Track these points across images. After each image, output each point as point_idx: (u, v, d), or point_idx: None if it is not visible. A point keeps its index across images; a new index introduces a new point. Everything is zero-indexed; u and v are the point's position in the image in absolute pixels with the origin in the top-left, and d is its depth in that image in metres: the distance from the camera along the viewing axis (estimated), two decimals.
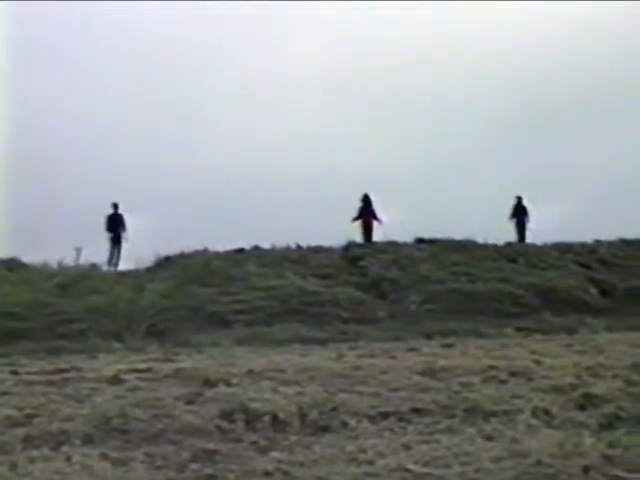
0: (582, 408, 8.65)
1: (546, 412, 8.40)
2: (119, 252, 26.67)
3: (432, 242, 27.53)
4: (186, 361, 14.06)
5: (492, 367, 11.66)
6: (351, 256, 25.90)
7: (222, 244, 26.50)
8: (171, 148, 50.56)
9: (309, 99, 53.38)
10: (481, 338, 18.20)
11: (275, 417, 8.34)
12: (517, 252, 27.04)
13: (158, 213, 34.65)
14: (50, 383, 11.34)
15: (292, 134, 50.83)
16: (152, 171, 47.73)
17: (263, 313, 20.78)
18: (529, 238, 29.25)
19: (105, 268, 25.89)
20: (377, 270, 24.34)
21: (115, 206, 26.69)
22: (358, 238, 27.85)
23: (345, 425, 8.16)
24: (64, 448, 7.35)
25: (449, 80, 54.15)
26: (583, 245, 28.12)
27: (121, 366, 13.04)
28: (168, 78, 53.71)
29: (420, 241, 27.72)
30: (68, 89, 51.30)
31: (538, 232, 29.06)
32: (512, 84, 53.75)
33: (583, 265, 25.94)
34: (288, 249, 26.95)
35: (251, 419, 8.34)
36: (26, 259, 25.48)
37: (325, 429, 8.05)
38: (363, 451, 7.00)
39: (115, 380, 11.37)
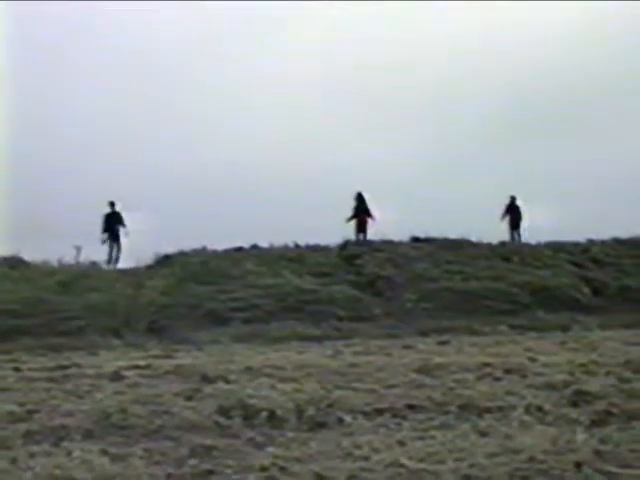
0: (575, 405, 8.66)
1: (539, 409, 8.42)
2: (118, 250, 26.58)
3: (427, 241, 27.50)
4: (185, 358, 14.06)
5: (486, 364, 11.68)
6: (347, 255, 25.88)
7: (221, 243, 26.50)
8: (171, 147, 50.56)
9: (307, 99, 53.37)
10: (475, 336, 18.20)
11: (272, 413, 8.35)
12: (511, 251, 27.02)
13: (158, 212, 34.66)
14: (51, 379, 11.36)
15: (290, 134, 50.89)
16: (152, 170, 47.71)
17: (261, 311, 20.77)
18: (523, 237, 29.22)
19: (105, 267, 25.83)
20: (373, 268, 24.32)
21: (112, 204, 26.58)
22: (353, 236, 27.78)
23: (341, 421, 8.18)
24: (64, 443, 7.36)
25: (447, 80, 54.16)
26: (576, 244, 28.09)
27: (121, 363, 13.05)
28: (168, 77, 53.73)
29: (416, 240, 27.69)
30: (69, 89, 51.31)
31: (531, 231, 29.08)
32: (509, 84, 53.76)
33: (576, 264, 25.92)
34: (286, 248, 26.93)
35: (249, 415, 8.35)
36: (27, 257, 25.49)
37: (321, 425, 8.05)
38: (359, 447, 7.01)
39: (115, 376, 11.39)
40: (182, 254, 25.67)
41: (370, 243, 27.24)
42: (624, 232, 28.83)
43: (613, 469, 6.18)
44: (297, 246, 27.12)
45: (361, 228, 27.73)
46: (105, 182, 39.99)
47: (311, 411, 8.45)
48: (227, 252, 26.11)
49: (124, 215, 26.75)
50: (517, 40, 56.30)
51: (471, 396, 9.14)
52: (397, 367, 11.72)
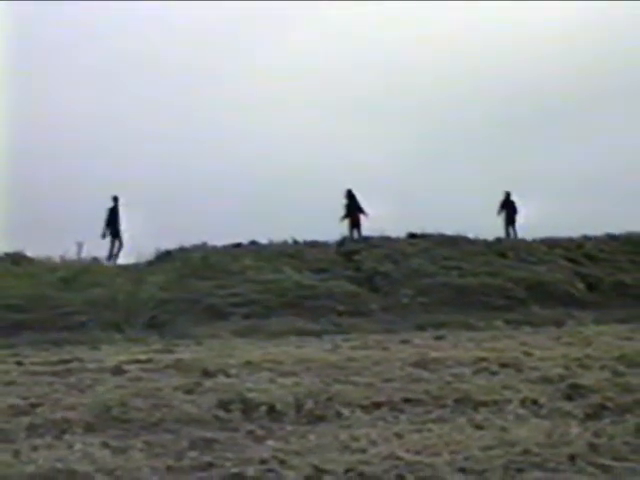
0: (569, 398, 8.68)
1: (534, 402, 8.43)
2: (120, 246, 26.51)
3: (424, 237, 27.50)
4: (185, 352, 14.06)
5: (482, 359, 11.68)
6: (346, 251, 25.88)
7: (220, 239, 26.49)
8: (171, 146, 50.49)
9: (306, 97, 53.35)
10: (471, 330, 18.21)
11: (271, 407, 8.36)
12: (507, 247, 27.04)
13: (159, 208, 34.60)
14: (53, 373, 11.36)
15: (288, 131, 50.85)
16: (153, 167, 47.67)
17: (260, 306, 20.77)
18: (518, 233, 29.20)
19: (106, 262, 25.80)
20: (371, 264, 24.32)
21: (115, 199, 26.48)
22: (347, 233, 27.73)
23: (339, 415, 8.19)
24: (66, 436, 7.37)
25: (445, 78, 54.17)
26: (571, 240, 28.11)
27: (122, 357, 13.05)
28: (169, 75, 53.61)
29: (412, 236, 27.69)
30: (72, 85, 51.19)
31: (526, 227, 29.06)
32: (507, 83, 53.75)
33: (571, 260, 25.93)
34: (285, 244, 26.92)
35: (248, 409, 8.36)
36: (30, 253, 25.48)
37: (320, 419, 8.06)
38: (356, 440, 7.02)
39: (116, 370, 11.39)
40: (182, 250, 25.67)
41: (367, 239, 27.24)
42: (618, 228, 28.92)
43: (607, 462, 6.19)
44: (296, 242, 27.12)
45: (355, 225, 27.69)
46: (108, 178, 39.96)
47: (310, 405, 8.46)
48: (227, 248, 26.11)
49: (123, 211, 26.62)
50: (516, 40, 56.35)
51: (467, 390, 9.15)
52: (394, 361, 11.72)
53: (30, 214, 31.76)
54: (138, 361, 12.40)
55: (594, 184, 44.98)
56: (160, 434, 7.46)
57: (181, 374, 10.89)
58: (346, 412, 8.25)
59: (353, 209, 27.56)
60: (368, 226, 27.77)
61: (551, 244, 27.53)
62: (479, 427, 7.42)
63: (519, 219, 29.27)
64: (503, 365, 11.06)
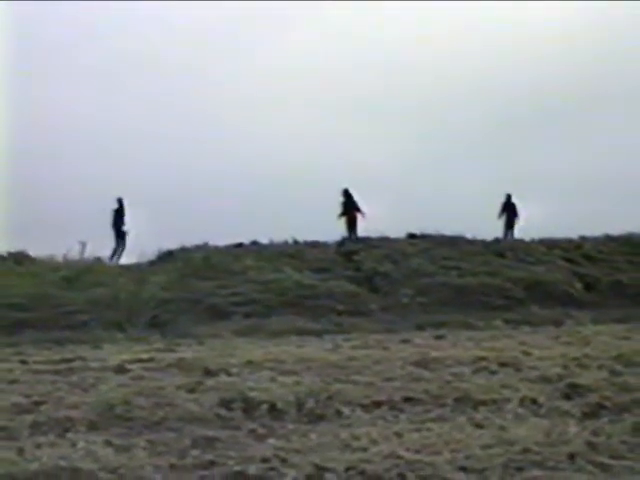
0: (568, 397, 8.69)
1: (533, 401, 8.45)
2: (123, 246, 26.48)
3: (423, 237, 27.49)
4: (187, 351, 14.06)
5: (482, 358, 11.69)
6: (346, 251, 25.87)
7: (222, 239, 26.49)
8: (172, 146, 50.50)
9: (307, 97, 53.34)
10: (471, 330, 18.20)
11: (273, 406, 8.38)
12: (506, 247, 27.04)
13: (161, 208, 34.59)
14: (56, 372, 11.37)
15: (290, 131, 50.83)
16: (154, 167, 47.69)
17: (261, 305, 20.77)
18: (517, 234, 29.17)
19: (108, 261, 25.81)
20: (370, 264, 24.31)
21: (119, 201, 26.46)
22: (344, 233, 27.67)
23: (340, 414, 8.20)
24: (69, 434, 7.39)
25: (444, 78, 54.14)
26: (569, 241, 28.09)
27: (125, 356, 13.05)
28: (169, 75, 53.58)
29: (412, 236, 27.68)
30: (75, 86, 51.21)
31: (525, 228, 29.03)
32: (507, 83, 53.72)
33: (569, 260, 25.92)
34: (285, 244, 26.90)
35: (250, 407, 8.37)
36: (33, 252, 25.47)
37: (321, 417, 8.08)
38: (357, 438, 7.04)
39: (119, 369, 11.40)
40: (184, 250, 25.67)
41: (367, 240, 27.22)
42: (616, 229, 28.89)
43: (605, 460, 6.21)
44: (296, 242, 27.10)
45: (352, 224, 27.62)
46: (110, 178, 39.99)
47: (311, 403, 8.47)
48: (228, 248, 26.11)
49: (127, 211, 26.59)
50: (516, 40, 56.32)
51: (467, 389, 9.16)
52: (394, 361, 11.73)
53: (33, 214, 31.76)
54: (140, 360, 12.41)
55: (593, 185, 44.97)
56: (163, 432, 7.48)
57: (183, 373, 10.90)
58: (347, 411, 8.26)
59: (350, 208, 27.48)
60: (367, 226, 27.73)
61: (550, 244, 27.51)
62: (479, 426, 7.43)
63: (519, 222, 29.22)
64: (502, 364, 11.07)
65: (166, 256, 25.29)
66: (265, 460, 6.38)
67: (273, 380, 9.99)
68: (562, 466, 6.08)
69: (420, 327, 18.91)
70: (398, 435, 7.15)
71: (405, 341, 15.34)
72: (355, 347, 14.42)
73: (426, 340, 15.66)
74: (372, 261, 24.56)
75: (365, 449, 6.67)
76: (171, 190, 42.05)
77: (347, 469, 6.08)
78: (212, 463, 6.38)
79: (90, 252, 25.20)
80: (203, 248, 25.88)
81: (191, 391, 9.38)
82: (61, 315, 19.35)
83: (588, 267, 25.43)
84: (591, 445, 6.55)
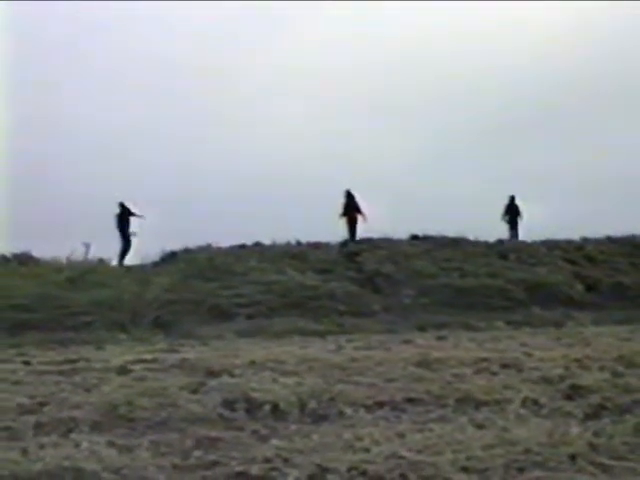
0: (570, 398, 8.68)
1: (535, 402, 8.43)
2: (128, 249, 26.42)
3: (426, 239, 27.52)
4: (190, 352, 14.05)
5: (483, 359, 11.68)
6: (348, 252, 25.89)
7: (225, 240, 26.52)
8: (176, 146, 50.56)
9: (308, 97, 53.37)
10: (473, 331, 18.21)
11: (275, 406, 8.37)
12: (507, 249, 27.04)
13: (165, 209, 34.63)
14: (60, 373, 11.37)
15: (293, 130, 50.86)
16: (158, 168, 47.73)
17: (264, 306, 20.78)
18: (519, 236, 29.15)
19: (115, 263, 25.79)
20: (373, 265, 24.33)
21: (121, 205, 26.40)
22: (345, 234, 27.62)
23: (342, 414, 8.19)
24: (73, 435, 7.38)
25: (447, 79, 54.19)
26: (570, 242, 28.11)
27: (128, 357, 13.05)
28: (172, 75, 53.67)
29: (414, 238, 27.71)
30: (78, 89, 51.26)
31: (527, 230, 29.04)
32: (507, 83, 53.81)
33: (570, 261, 25.93)
34: (288, 245, 26.91)
35: (252, 408, 8.37)
36: (36, 254, 25.52)
37: (323, 418, 8.07)
38: (359, 439, 7.03)
39: (122, 370, 11.40)
40: (187, 251, 25.71)
41: (369, 241, 27.21)
42: (617, 230, 28.89)
43: (607, 461, 6.19)
44: (299, 243, 27.12)
45: (352, 226, 27.57)
46: (114, 179, 40.03)
47: (313, 404, 8.47)
48: (231, 249, 26.13)
49: (134, 212, 26.49)
50: (517, 40, 56.42)
51: (468, 390, 9.15)
52: (396, 361, 11.72)
53: (36, 215, 31.84)
54: (143, 361, 12.41)
55: (594, 186, 44.96)
56: (166, 433, 7.48)
57: (186, 374, 10.89)
58: (349, 411, 8.26)
59: (351, 209, 27.44)
60: (368, 227, 27.73)
61: (551, 246, 27.53)
62: (480, 427, 7.42)
63: (522, 223, 29.19)
64: (504, 365, 11.06)
65: (169, 257, 25.34)
66: (268, 460, 6.37)
67: (276, 381, 9.98)
68: (563, 467, 6.07)
69: (422, 328, 18.92)
70: (400, 436, 7.14)
71: (407, 342, 15.34)
72: (357, 348, 14.42)
73: (428, 341, 15.66)
74: (374, 262, 24.58)
75: (367, 449, 6.66)
76: (174, 191, 42.09)
77: (349, 469, 6.08)
78: (215, 463, 6.37)
79: (94, 253, 25.27)
80: (206, 249, 25.92)
81: (194, 392, 9.37)
82: (64, 316, 19.37)
83: (589, 268, 25.43)
84: (592, 446, 6.54)
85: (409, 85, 54.38)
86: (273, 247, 26.66)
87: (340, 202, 27.50)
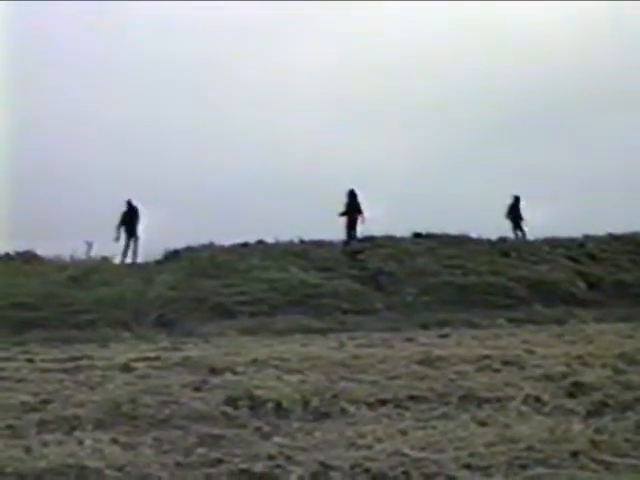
0: (572, 396, 8.67)
1: (537, 399, 8.43)
2: (136, 246, 26.37)
3: (428, 237, 27.52)
4: (193, 350, 14.06)
5: (486, 356, 11.67)
6: (351, 250, 25.88)
7: (228, 238, 26.52)
8: (177, 144, 50.56)
9: (310, 97, 53.37)
10: (475, 328, 18.19)
11: (278, 404, 8.38)
12: (509, 246, 27.04)
13: (167, 208, 34.64)
14: (63, 371, 11.38)
15: (295, 130, 50.87)
16: (161, 166, 47.76)
17: (266, 304, 20.77)
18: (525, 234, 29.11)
19: (118, 260, 25.77)
20: (375, 263, 24.32)
21: (129, 203, 26.34)
22: (343, 233, 27.51)
23: (345, 412, 8.20)
24: (77, 432, 7.39)
25: (448, 78, 54.20)
26: (572, 240, 28.10)
27: (131, 355, 13.05)
28: (172, 75, 53.68)
29: (417, 236, 27.71)
30: (81, 88, 51.27)
31: (529, 228, 29.02)
32: (510, 82, 53.73)
33: (572, 259, 25.91)
34: (291, 243, 26.92)
35: (255, 406, 8.37)
36: (40, 252, 25.55)
37: (326, 415, 8.08)
38: (362, 436, 7.03)
39: (125, 368, 11.40)
40: (190, 249, 25.72)
41: (372, 239, 27.20)
42: (619, 228, 28.89)
43: (608, 458, 6.20)
44: (302, 241, 27.12)
45: (351, 225, 27.46)
46: (117, 178, 40.07)
47: (316, 402, 8.47)
48: (234, 247, 26.15)
49: (140, 210, 26.45)
50: (517, 40, 56.37)
51: (471, 387, 9.15)
52: (399, 359, 11.72)
53: (40, 213, 31.84)
54: (147, 359, 12.41)
55: (596, 184, 44.96)
56: (169, 430, 7.48)
57: (189, 371, 10.90)
58: (351, 409, 8.26)
59: (352, 209, 27.36)
60: (369, 227, 27.70)
61: (553, 244, 27.53)
62: (483, 424, 7.42)
63: (525, 224, 29.16)
64: (506, 363, 11.05)
65: (172, 255, 25.34)
66: (271, 458, 6.38)
67: (278, 378, 9.99)
68: (565, 464, 6.07)
69: (424, 326, 18.90)
70: (403, 433, 7.14)
71: (409, 340, 15.32)
72: (360, 345, 14.41)
73: (430, 339, 15.64)
74: (377, 260, 24.57)
75: (370, 447, 6.67)
76: (176, 189, 42.11)
77: (352, 467, 6.08)
78: (218, 461, 6.38)
79: (97, 252, 25.29)
80: (209, 247, 25.94)
81: (197, 389, 9.39)
82: (68, 314, 19.38)
83: (591, 266, 25.41)
84: (594, 443, 6.54)
85: (410, 85, 54.35)
86: (276, 245, 26.67)
87: (342, 201, 27.42)
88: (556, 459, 6.13)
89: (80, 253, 25.01)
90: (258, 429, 7.49)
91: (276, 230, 27.31)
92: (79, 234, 26.15)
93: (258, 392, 8.83)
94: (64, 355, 13.44)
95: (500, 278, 23.37)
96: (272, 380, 9.85)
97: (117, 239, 26.01)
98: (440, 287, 22.60)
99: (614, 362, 10.77)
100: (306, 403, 8.42)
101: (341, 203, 27.14)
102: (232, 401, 8.53)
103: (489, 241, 27.62)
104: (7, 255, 25.51)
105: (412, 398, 8.74)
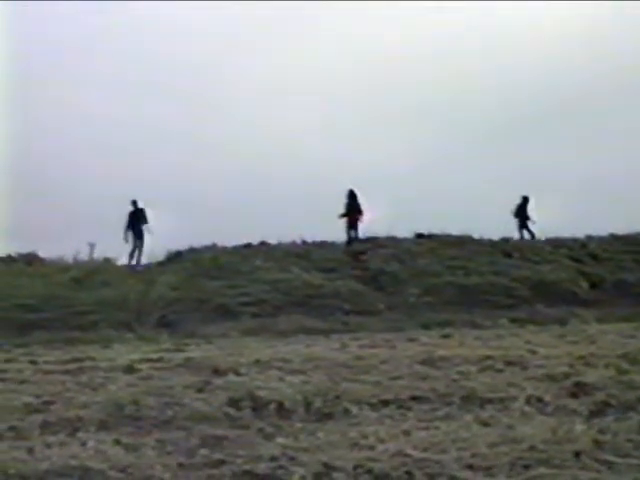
0: (574, 396, 8.66)
1: (540, 400, 8.43)
2: (141, 248, 26.33)
3: (430, 237, 27.53)
4: (196, 351, 14.07)
5: (488, 357, 11.66)
6: (353, 251, 25.90)
7: (230, 239, 26.53)
8: (180, 145, 50.59)
9: (314, 96, 53.36)
10: (477, 329, 18.18)
11: (281, 405, 8.38)
12: (512, 247, 27.04)
13: (170, 209, 34.63)
14: (66, 372, 11.38)
15: (297, 131, 50.85)
16: (163, 168, 47.78)
17: (269, 305, 20.79)
18: (532, 234, 29.09)
19: (126, 262, 25.74)
20: (378, 264, 24.33)
21: (134, 203, 26.27)
22: (344, 234, 27.47)
23: (348, 412, 8.20)
24: (79, 434, 7.40)
25: (449, 77, 54.19)
26: (575, 240, 28.10)
27: (134, 356, 13.07)
28: (178, 74, 53.66)
29: (419, 236, 27.72)
30: (84, 89, 51.27)
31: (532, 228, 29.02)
32: (508, 82, 53.76)
33: (575, 259, 25.90)
34: (293, 244, 26.93)
35: (258, 406, 8.38)
36: (43, 254, 25.58)
37: (329, 416, 8.08)
38: (365, 437, 7.03)
39: (128, 369, 11.41)
40: (193, 250, 25.75)
41: (374, 239, 27.20)
42: (621, 228, 28.87)
43: (611, 458, 6.19)
44: (304, 242, 27.13)
45: (352, 226, 27.41)
46: (119, 179, 40.09)
47: (319, 402, 8.47)
48: (236, 248, 26.17)
49: (148, 212, 26.38)
50: (517, 39, 56.38)
51: (473, 388, 9.15)
52: (401, 359, 11.71)
53: (42, 215, 31.86)
54: (149, 360, 12.42)
55: (598, 184, 44.92)
56: (172, 432, 7.49)
57: (192, 373, 10.90)
58: (354, 410, 8.26)
59: (353, 209, 27.33)
60: (370, 227, 27.69)
61: (555, 244, 27.54)
62: (485, 424, 7.42)
63: (531, 223, 29.13)
64: (508, 363, 11.05)
65: (175, 256, 25.39)
66: (273, 459, 6.38)
67: (281, 379, 10.00)
68: (568, 464, 6.06)
69: (427, 326, 18.89)
70: (406, 433, 7.14)
71: (412, 340, 15.31)
72: (362, 346, 14.40)
73: (433, 339, 15.63)
74: (379, 261, 24.59)
75: (373, 447, 6.67)
76: (179, 190, 42.11)
77: (355, 467, 6.08)
78: (221, 462, 6.38)
79: (99, 253, 25.30)
80: (212, 248, 25.97)
81: (200, 390, 9.39)
82: (71, 315, 19.41)
83: (593, 266, 25.41)
84: (597, 443, 6.54)
85: (410, 84, 54.34)
86: (278, 246, 26.67)
87: (343, 202, 27.38)
88: (559, 459, 6.13)
89: (83, 254, 25.07)
90: (261, 430, 7.49)
91: (278, 231, 27.31)
92: (82, 236, 26.20)
93: (261, 393, 8.84)
94: (67, 356, 13.44)
95: (502, 278, 23.38)
96: (275, 381, 9.86)
97: (126, 241, 25.96)
98: (442, 287, 22.60)
99: (617, 362, 10.76)
100: (309, 404, 8.42)
101: (341, 204, 27.13)
102: (235, 402, 8.54)
103: (491, 241, 27.61)
104: (10, 257, 25.55)
105: (415, 398, 8.73)
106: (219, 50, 55.20)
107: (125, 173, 42.44)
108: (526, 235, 28.96)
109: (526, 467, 6.01)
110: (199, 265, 23.64)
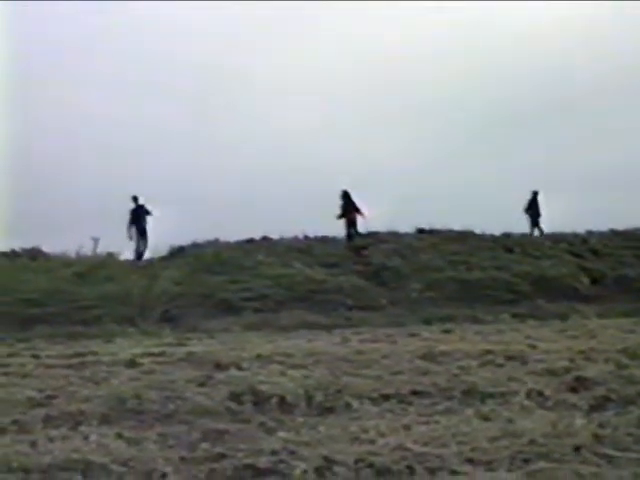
0: (574, 390, 8.66)
1: (540, 394, 8.42)
2: (145, 243, 26.31)
3: (432, 232, 27.53)
4: (198, 346, 14.08)
5: (489, 351, 11.66)
6: (355, 246, 25.90)
7: (233, 235, 26.52)
8: (182, 141, 50.57)
9: (315, 96, 53.29)
10: (478, 324, 18.19)
11: (282, 399, 8.37)
12: (513, 242, 27.04)
13: (173, 205, 34.61)
14: (69, 366, 11.39)
15: (299, 127, 50.79)
16: (165, 163, 47.77)
17: (271, 300, 20.80)
18: (542, 230, 29.06)
19: (130, 258, 25.73)
20: (379, 259, 24.33)
21: (135, 199, 26.24)
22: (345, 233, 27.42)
23: (349, 406, 8.19)
24: (82, 428, 7.39)
25: (450, 75, 54.09)
26: (575, 236, 28.11)
27: (136, 350, 13.08)
28: (178, 74, 53.57)
29: (421, 231, 27.72)
30: (86, 87, 51.25)
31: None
32: (511, 80, 53.64)
33: (575, 255, 25.90)
34: (295, 239, 26.93)
35: (259, 401, 8.37)
36: (46, 248, 25.59)
37: (330, 410, 8.06)
38: (365, 431, 7.02)
39: (130, 363, 11.41)
40: (195, 245, 25.76)
41: (376, 234, 27.20)
42: (622, 224, 28.89)
43: (611, 452, 6.18)
44: (306, 237, 27.13)
45: (351, 225, 27.36)
46: (122, 175, 40.08)
47: (320, 397, 8.46)
48: (239, 244, 26.18)
49: (149, 206, 26.31)
50: (517, 38, 56.23)
51: (474, 382, 9.14)
52: (403, 354, 11.71)
53: (46, 210, 31.87)
54: (152, 354, 12.44)
55: (599, 179, 44.84)
56: (173, 426, 7.48)
57: (194, 367, 10.91)
58: (355, 404, 8.25)
59: (349, 209, 27.28)
60: (371, 224, 27.67)
61: (556, 239, 27.54)
62: (486, 419, 7.41)
63: (542, 219, 29.11)
64: (509, 358, 11.04)
65: (178, 251, 25.40)
66: (275, 453, 6.37)
67: (283, 374, 9.99)
68: (568, 458, 6.05)
69: (428, 321, 18.91)
70: (406, 428, 7.13)
71: (413, 335, 15.33)
72: (364, 341, 14.42)
73: (434, 334, 15.65)
74: (381, 256, 24.60)
75: (374, 441, 6.65)
76: (182, 186, 42.10)
77: (356, 461, 6.07)
78: (222, 456, 6.37)
79: (102, 248, 25.30)
80: (214, 244, 25.98)
81: (201, 385, 9.39)
82: (74, 310, 19.42)
83: (594, 262, 25.41)
84: (597, 437, 6.53)
85: (411, 82, 54.25)
86: (280, 241, 26.69)
87: (337, 203, 27.33)
88: (559, 453, 6.12)
89: (86, 249, 25.07)
90: (262, 424, 7.48)
91: (281, 226, 27.28)
92: (85, 230, 26.20)
93: (262, 387, 8.83)
94: (69, 351, 13.47)
95: (503, 273, 23.39)
96: (276, 375, 9.86)
97: (130, 238, 25.93)
98: (444, 282, 22.61)
99: (617, 357, 10.75)
100: (310, 398, 8.41)
101: (336, 205, 27.07)
102: (236, 396, 8.53)
103: (492, 237, 27.60)
104: (13, 251, 25.55)
105: (415, 393, 8.72)
106: (219, 50, 55.06)
107: (126, 172, 42.37)
108: (536, 232, 28.94)
109: (526, 461, 6.00)
110: (202, 260, 23.65)
